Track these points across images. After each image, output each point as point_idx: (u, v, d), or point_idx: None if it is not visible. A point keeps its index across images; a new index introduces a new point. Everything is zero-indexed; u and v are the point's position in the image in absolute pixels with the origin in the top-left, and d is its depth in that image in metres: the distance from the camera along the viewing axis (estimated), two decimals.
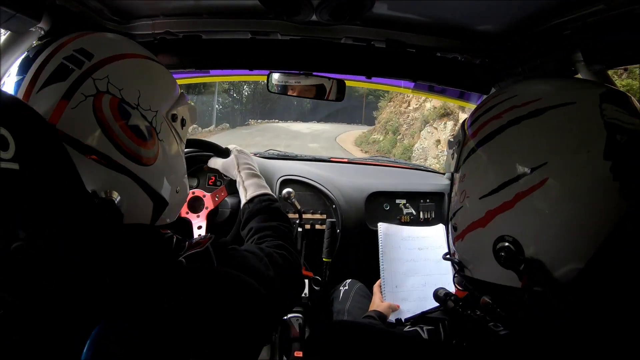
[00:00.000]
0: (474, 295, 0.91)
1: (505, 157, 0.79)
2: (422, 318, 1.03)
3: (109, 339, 0.66)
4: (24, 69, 0.78)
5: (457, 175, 0.92)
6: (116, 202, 0.80)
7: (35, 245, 0.64)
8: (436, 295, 1.03)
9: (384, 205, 2.23)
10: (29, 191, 0.62)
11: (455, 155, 0.93)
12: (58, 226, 0.65)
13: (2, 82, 0.79)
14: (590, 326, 0.69)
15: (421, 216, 2.22)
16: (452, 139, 0.97)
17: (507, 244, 0.77)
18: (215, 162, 1.61)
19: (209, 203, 1.71)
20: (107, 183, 0.78)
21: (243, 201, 1.40)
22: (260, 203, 1.35)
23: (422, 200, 2.25)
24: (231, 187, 1.73)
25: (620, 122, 0.72)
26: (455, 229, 0.93)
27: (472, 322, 0.83)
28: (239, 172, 1.49)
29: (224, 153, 1.63)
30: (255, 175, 1.48)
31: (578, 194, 0.71)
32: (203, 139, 1.75)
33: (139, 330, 0.68)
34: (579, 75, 1.20)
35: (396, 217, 2.21)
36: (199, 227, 1.67)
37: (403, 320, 1.02)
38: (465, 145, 0.89)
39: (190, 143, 1.70)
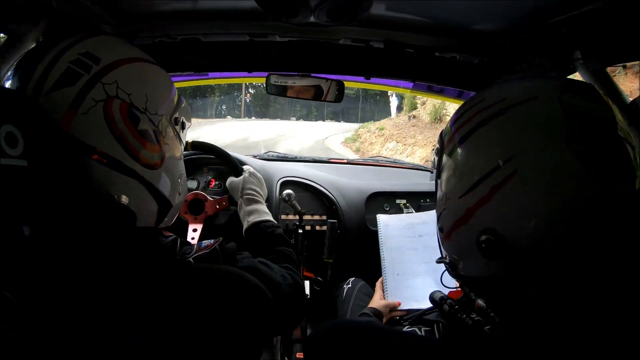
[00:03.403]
0: (469, 298, 0.92)
1: (477, 156, 0.82)
2: (419, 319, 1.03)
3: (113, 339, 0.66)
4: (26, 72, 0.76)
5: (439, 181, 0.95)
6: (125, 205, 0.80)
7: (40, 243, 0.65)
8: (432, 299, 1.04)
9: (384, 205, 2.23)
10: (36, 188, 0.63)
11: (437, 161, 0.96)
12: (66, 224, 0.66)
13: (2, 84, 0.78)
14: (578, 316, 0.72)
15: None
16: (434, 147, 1.01)
17: (488, 235, 0.78)
18: (228, 181, 1.62)
19: (209, 208, 1.71)
20: (118, 187, 0.79)
21: (245, 227, 1.41)
22: (264, 230, 1.36)
23: (422, 200, 2.25)
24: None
25: (580, 109, 0.76)
26: (441, 230, 0.94)
27: (468, 326, 0.84)
28: (242, 197, 1.50)
29: (236, 170, 1.63)
30: (256, 201, 1.49)
31: (546, 179, 0.73)
32: (223, 149, 1.73)
33: (144, 330, 0.69)
34: (577, 75, 1.21)
35: None
36: (194, 230, 1.66)
37: (402, 319, 1.03)
38: (443, 152, 0.93)
39: (211, 150, 1.71)
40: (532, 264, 0.75)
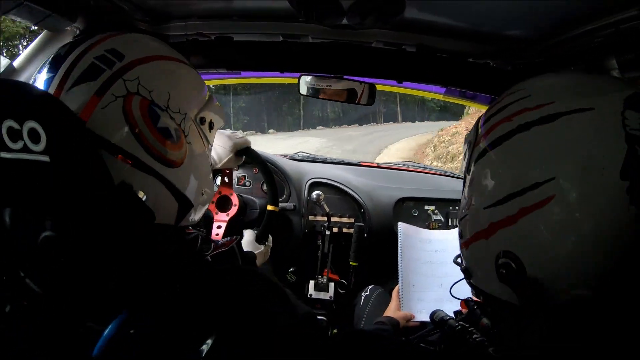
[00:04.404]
0: (474, 316, 0.88)
1: (512, 166, 0.73)
2: (422, 339, 1.01)
3: (125, 336, 0.67)
4: (54, 66, 0.78)
5: (467, 177, 0.86)
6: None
7: (63, 237, 0.66)
8: (432, 319, 1.01)
9: (412, 211, 2.22)
10: (58, 183, 0.64)
11: (467, 156, 0.87)
12: (86, 219, 0.67)
13: (33, 79, 0.80)
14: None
15: (450, 223, 2.20)
16: (467, 137, 0.91)
17: (508, 260, 0.71)
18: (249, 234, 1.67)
19: (232, 210, 1.74)
20: (134, 183, 0.77)
21: None
22: None
23: (450, 207, 2.22)
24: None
25: None
26: (461, 235, 0.88)
27: (470, 347, 0.81)
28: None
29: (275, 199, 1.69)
30: None
31: (586, 217, 0.63)
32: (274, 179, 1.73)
33: (156, 326, 0.69)
34: None
35: (424, 224, 2.19)
36: (219, 227, 1.68)
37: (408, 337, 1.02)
38: (476, 146, 0.83)
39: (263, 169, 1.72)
40: (551, 305, 0.69)
